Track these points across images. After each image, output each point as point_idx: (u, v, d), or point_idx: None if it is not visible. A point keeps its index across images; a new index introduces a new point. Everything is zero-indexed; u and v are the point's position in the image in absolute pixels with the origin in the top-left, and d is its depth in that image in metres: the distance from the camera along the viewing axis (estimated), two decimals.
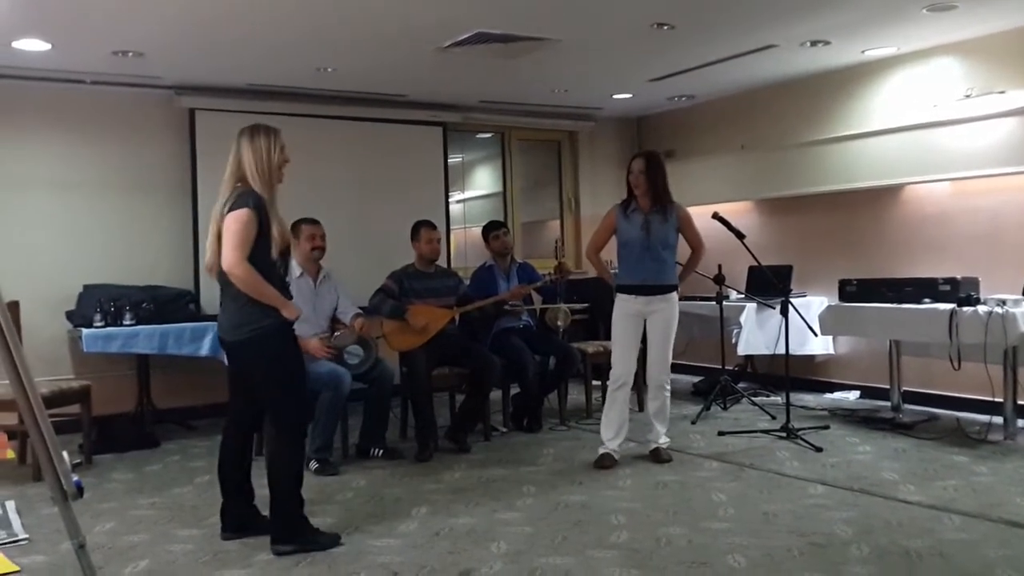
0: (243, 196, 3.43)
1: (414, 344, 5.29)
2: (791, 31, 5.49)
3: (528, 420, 5.85)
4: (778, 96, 7.11)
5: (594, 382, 6.34)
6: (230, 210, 3.41)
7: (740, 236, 5.36)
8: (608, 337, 6.17)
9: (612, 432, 4.82)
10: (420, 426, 5.24)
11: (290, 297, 3.59)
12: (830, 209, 6.81)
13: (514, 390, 5.92)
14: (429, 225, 5.58)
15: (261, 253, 3.44)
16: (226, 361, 3.87)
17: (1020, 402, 5.18)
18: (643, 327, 4.81)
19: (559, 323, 5.91)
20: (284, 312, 3.48)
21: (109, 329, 5.52)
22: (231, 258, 3.37)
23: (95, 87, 6.14)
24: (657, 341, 4.80)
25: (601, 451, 4.82)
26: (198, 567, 3.42)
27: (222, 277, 3.49)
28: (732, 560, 3.30)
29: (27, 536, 3.79)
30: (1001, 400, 5.14)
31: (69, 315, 5.87)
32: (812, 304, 6.41)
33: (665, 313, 4.78)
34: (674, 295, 4.83)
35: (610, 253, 5.05)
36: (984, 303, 4.99)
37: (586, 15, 4.97)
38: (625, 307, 4.79)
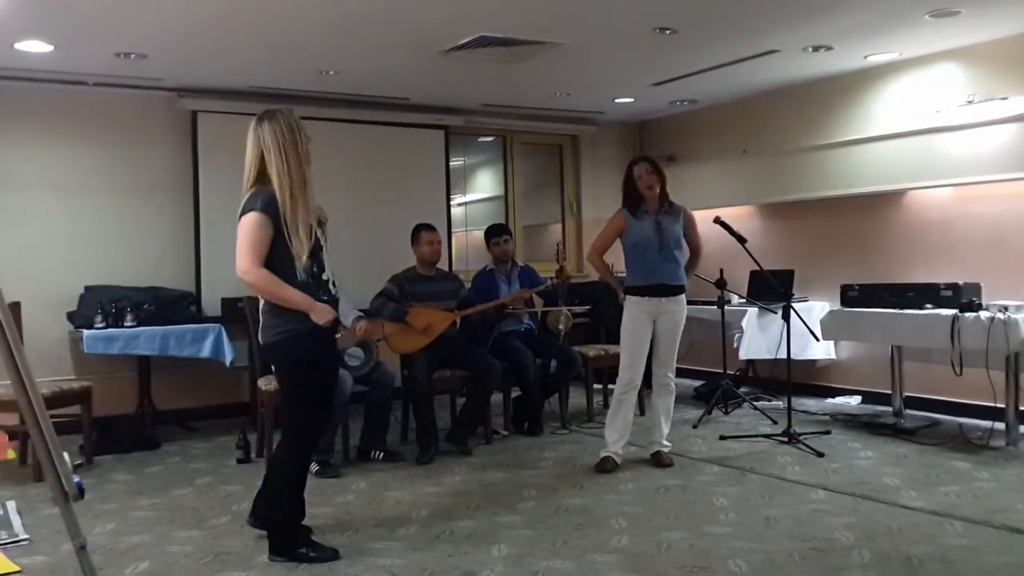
0: (251, 199, 3.31)
1: (415, 347, 5.29)
2: (793, 36, 5.49)
3: (529, 423, 5.85)
4: (780, 101, 7.11)
5: (595, 385, 6.34)
6: (240, 216, 3.31)
7: (742, 241, 5.36)
8: (609, 340, 6.13)
9: (617, 434, 4.81)
10: (421, 429, 5.24)
11: (330, 296, 3.41)
12: (832, 214, 6.81)
13: (515, 393, 5.92)
14: (428, 228, 5.59)
15: (280, 254, 3.28)
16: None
17: (1022, 408, 5.18)
18: (652, 329, 4.82)
19: (560, 326, 5.91)
20: (312, 316, 3.29)
21: (110, 330, 5.54)
22: (241, 264, 3.26)
23: (97, 89, 6.14)
24: (665, 341, 4.82)
25: (603, 454, 4.82)
26: (198, 568, 3.42)
27: None
28: (733, 565, 3.30)
29: (28, 536, 3.79)
30: (1003, 406, 5.13)
31: (70, 316, 5.87)
32: (814, 309, 6.41)
33: (676, 315, 4.81)
34: (683, 296, 4.86)
35: (610, 257, 5.05)
36: (986, 309, 4.99)
37: (588, 19, 4.97)
38: (638, 310, 4.78)
